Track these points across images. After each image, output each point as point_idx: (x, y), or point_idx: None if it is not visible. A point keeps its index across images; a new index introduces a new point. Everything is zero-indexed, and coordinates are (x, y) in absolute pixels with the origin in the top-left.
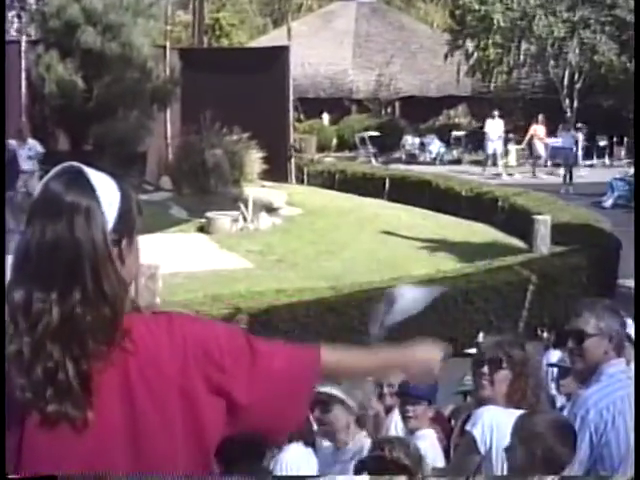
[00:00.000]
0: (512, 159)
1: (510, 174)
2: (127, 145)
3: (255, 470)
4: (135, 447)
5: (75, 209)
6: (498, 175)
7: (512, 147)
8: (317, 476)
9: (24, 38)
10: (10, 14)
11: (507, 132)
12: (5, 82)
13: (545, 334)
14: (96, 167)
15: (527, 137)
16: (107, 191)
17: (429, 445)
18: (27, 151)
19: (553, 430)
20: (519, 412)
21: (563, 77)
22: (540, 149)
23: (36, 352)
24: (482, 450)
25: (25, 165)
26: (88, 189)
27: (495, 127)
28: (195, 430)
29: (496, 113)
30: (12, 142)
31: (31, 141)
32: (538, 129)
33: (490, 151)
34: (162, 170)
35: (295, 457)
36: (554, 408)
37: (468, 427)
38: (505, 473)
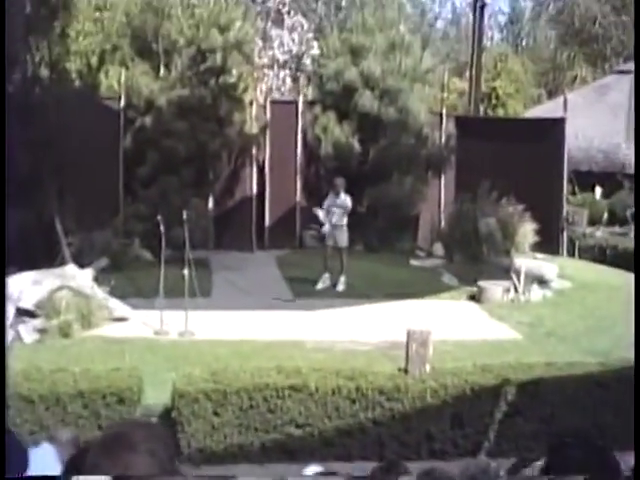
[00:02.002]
0: None
1: None
2: (401, 209)
3: None
4: None
5: None
6: None
7: None
8: None
9: (301, 99)
10: (283, 73)
11: None
12: (5, 81)
13: None
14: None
15: None
16: None
17: None
18: (338, 205)
19: None
20: None
21: None
22: None
23: None
24: None
25: (334, 219)
26: None
27: None
28: None
29: None
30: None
31: (343, 195)
32: None
33: None
34: (434, 236)
35: None
36: None
37: None
38: None
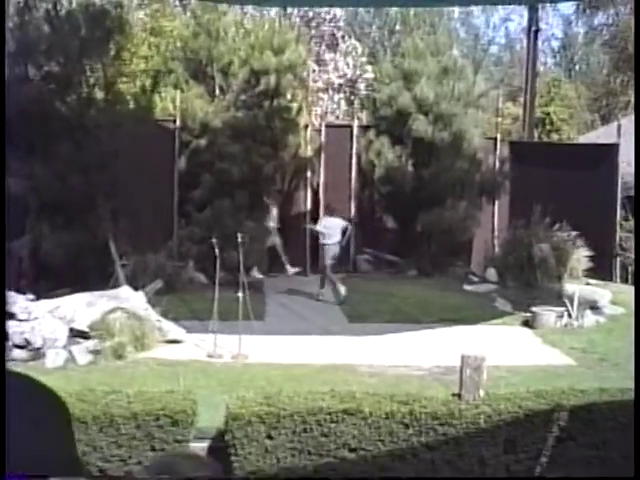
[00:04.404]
0: None
1: None
2: (454, 235)
3: None
4: None
5: None
6: None
7: None
8: None
9: (355, 123)
10: (337, 97)
11: None
12: (5, 81)
13: None
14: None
15: None
16: None
17: None
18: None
19: None
20: None
21: None
22: None
23: None
24: None
25: (335, 239)
26: None
27: None
28: None
29: None
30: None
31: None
32: None
33: None
34: (488, 262)
35: None
36: None
37: None
38: None
